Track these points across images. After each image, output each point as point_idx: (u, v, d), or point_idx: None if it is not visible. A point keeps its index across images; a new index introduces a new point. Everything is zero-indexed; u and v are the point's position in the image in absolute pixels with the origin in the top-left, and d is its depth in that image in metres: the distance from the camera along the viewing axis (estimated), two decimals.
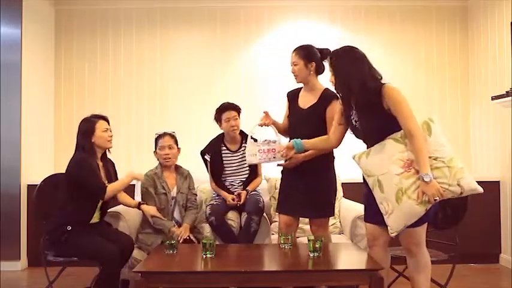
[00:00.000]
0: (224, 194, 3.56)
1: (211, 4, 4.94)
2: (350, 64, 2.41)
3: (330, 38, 4.63)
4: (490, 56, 4.53)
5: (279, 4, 4.96)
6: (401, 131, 2.35)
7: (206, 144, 3.72)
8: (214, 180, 3.65)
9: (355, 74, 2.38)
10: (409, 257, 2.49)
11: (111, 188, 3.01)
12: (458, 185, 2.26)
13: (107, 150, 3.15)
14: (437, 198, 2.25)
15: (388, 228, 2.36)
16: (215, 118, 3.62)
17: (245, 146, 3.58)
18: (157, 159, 3.50)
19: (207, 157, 3.65)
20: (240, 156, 3.63)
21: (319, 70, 2.94)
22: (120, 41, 4.97)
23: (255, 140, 2.97)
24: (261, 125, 2.97)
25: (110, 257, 2.82)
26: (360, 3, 4.93)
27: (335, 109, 2.70)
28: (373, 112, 2.37)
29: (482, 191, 2.32)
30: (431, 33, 4.95)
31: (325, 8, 4.95)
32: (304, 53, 2.90)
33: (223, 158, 3.64)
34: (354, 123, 2.50)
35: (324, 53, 2.89)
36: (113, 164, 3.24)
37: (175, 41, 4.97)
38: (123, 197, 3.28)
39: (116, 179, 3.19)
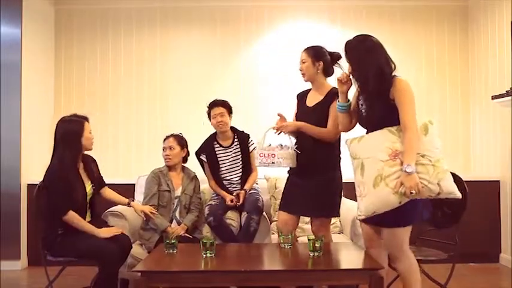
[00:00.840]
0: (223, 193, 3.56)
1: (211, 4, 4.94)
2: (365, 52, 2.42)
3: (330, 38, 4.62)
4: (490, 56, 4.53)
5: (279, 4, 4.96)
6: (399, 125, 2.35)
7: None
8: (214, 178, 3.65)
9: (371, 61, 2.39)
10: (395, 262, 2.48)
11: (74, 217, 2.87)
12: (438, 184, 2.25)
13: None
14: (413, 192, 2.21)
15: (358, 211, 2.36)
16: (208, 115, 3.65)
17: (237, 142, 3.62)
18: None
19: (203, 157, 3.66)
20: (233, 151, 3.65)
21: (328, 71, 2.96)
22: (120, 41, 4.97)
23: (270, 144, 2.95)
24: (277, 129, 2.93)
25: (109, 256, 2.80)
26: (360, 3, 4.93)
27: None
28: (379, 101, 2.38)
29: (460, 196, 2.32)
30: (431, 33, 4.95)
31: (325, 8, 4.96)
32: (313, 52, 2.95)
33: (218, 155, 3.65)
34: (363, 112, 2.50)
35: (335, 55, 2.92)
36: (94, 160, 3.16)
37: (175, 41, 4.98)
38: (113, 195, 3.25)
39: (99, 174, 3.15)
